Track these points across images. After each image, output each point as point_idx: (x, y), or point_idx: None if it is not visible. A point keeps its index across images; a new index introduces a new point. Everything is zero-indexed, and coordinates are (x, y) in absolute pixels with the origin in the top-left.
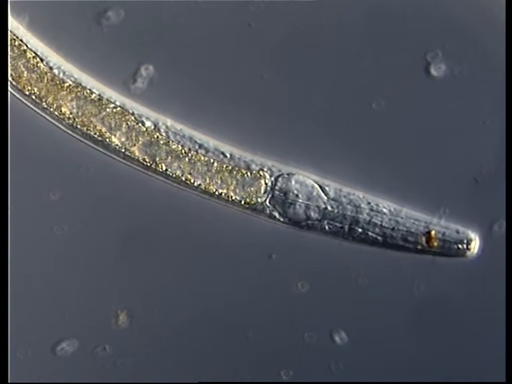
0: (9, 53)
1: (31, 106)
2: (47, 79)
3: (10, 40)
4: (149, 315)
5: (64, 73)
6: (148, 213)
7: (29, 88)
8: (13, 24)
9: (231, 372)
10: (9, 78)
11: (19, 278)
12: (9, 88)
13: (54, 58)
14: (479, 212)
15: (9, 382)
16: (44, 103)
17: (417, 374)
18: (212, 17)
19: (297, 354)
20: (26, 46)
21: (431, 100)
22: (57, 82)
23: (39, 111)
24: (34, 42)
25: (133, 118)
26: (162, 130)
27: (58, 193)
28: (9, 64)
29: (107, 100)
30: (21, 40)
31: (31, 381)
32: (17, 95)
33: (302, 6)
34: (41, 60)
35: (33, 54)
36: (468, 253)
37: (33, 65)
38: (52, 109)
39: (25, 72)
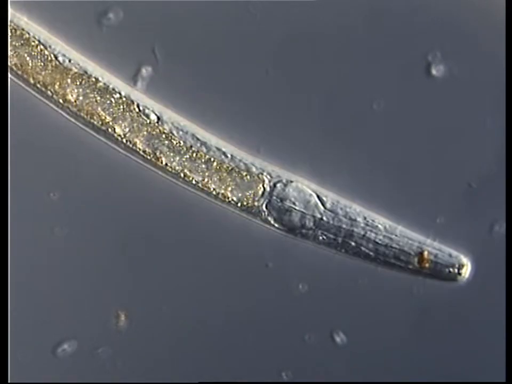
0: (12, 42)
1: (36, 95)
2: (52, 66)
3: (11, 30)
4: (149, 316)
5: (69, 60)
6: (147, 211)
7: (34, 76)
8: (14, 15)
9: (231, 372)
10: (14, 68)
11: (19, 278)
12: (14, 78)
13: (59, 46)
14: (479, 213)
15: (9, 382)
16: (48, 91)
17: (417, 373)
18: (212, 18)
19: (297, 354)
20: (29, 34)
21: (431, 100)
22: (62, 69)
23: (44, 100)
24: (36, 30)
25: (137, 109)
26: (165, 124)
27: (59, 193)
28: (9, 54)
29: (113, 89)
30: (22, 29)
31: (31, 381)
32: (23, 85)
33: (301, 6)
34: (45, 47)
35: (37, 42)
36: (459, 278)
37: (38, 52)
38: (56, 97)
39: (30, 60)
